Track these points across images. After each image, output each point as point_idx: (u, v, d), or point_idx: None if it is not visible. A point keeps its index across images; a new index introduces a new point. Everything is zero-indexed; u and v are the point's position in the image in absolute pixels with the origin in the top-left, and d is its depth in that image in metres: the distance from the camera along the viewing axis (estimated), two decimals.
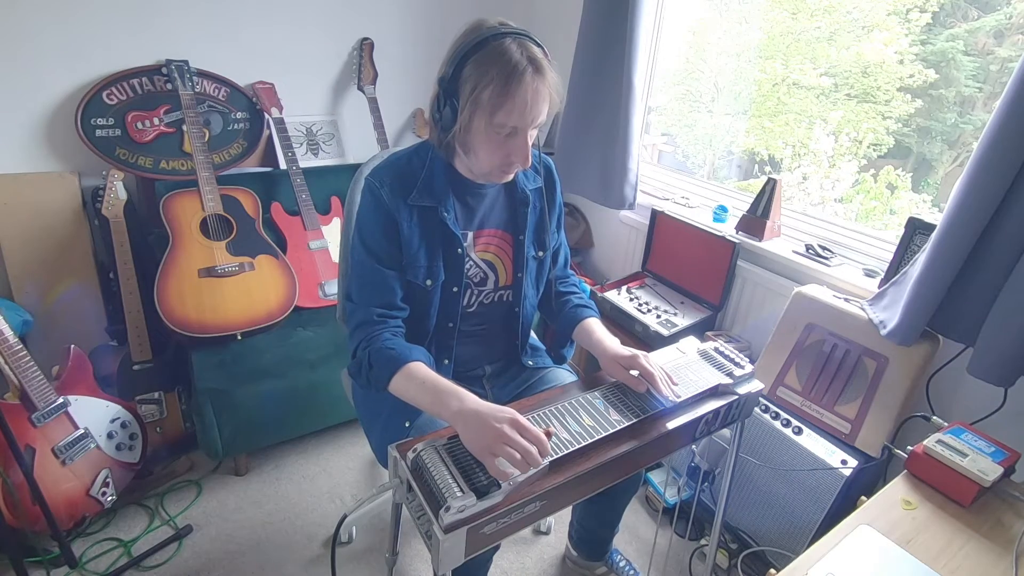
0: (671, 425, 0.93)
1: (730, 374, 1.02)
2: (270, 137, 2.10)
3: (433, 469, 0.76)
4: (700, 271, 1.88)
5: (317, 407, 1.78)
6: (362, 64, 2.19)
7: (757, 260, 1.77)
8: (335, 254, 2.05)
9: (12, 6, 1.66)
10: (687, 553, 1.58)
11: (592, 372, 1.08)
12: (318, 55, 2.19)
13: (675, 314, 1.86)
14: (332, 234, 2.09)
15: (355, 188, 1.21)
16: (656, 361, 0.99)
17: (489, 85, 0.87)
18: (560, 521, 1.68)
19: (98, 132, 1.82)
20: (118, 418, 1.56)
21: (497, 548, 0.99)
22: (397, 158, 1.06)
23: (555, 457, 0.81)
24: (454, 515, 0.71)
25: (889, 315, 1.31)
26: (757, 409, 1.44)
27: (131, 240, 1.72)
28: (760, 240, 1.74)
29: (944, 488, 0.97)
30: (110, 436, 1.54)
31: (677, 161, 2.77)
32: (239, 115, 2.06)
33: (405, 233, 1.02)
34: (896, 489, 0.98)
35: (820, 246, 1.66)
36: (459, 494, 0.72)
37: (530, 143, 0.96)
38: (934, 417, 1.12)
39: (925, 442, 1.01)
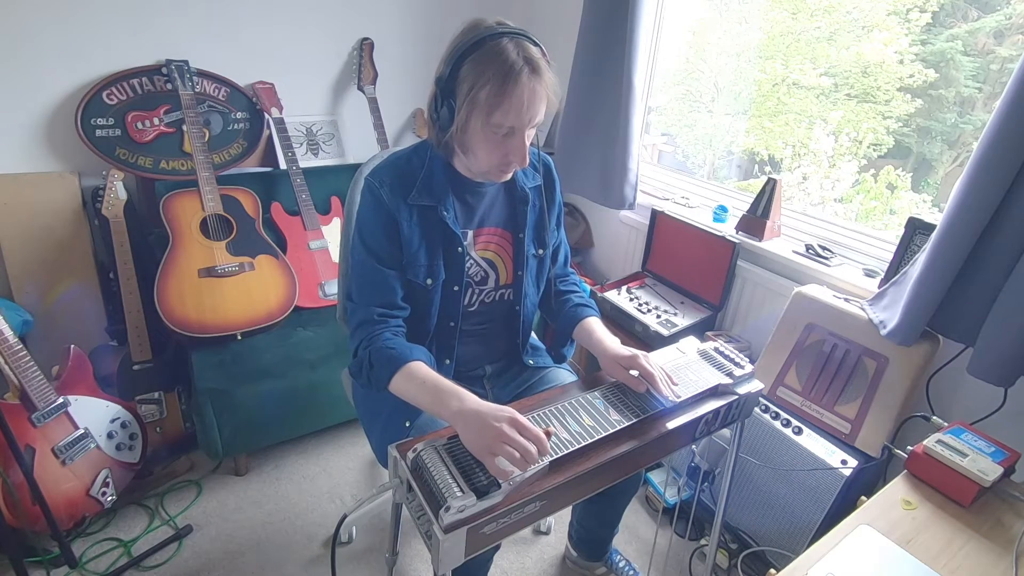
0: (671, 425, 0.93)
1: (730, 374, 1.02)
2: (270, 137, 2.10)
3: (433, 469, 0.76)
4: (700, 271, 1.88)
5: (317, 407, 1.78)
6: (362, 64, 2.19)
7: (757, 260, 1.77)
8: (335, 254, 2.05)
9: (12, 6, 1.66)
10: (687, 553, 1.58)
11: (592, 372, 1.08)
12: (318, 55, 2.19)
13: (675, 314, 1.86)
14: (332, 234, 2.09)
15: (355, 188, 1.21)
16: (656, 361, 0.99)
17: (486, 85, 0.87)
18: (560, 521, 1.68)
19: (98, 132, 1.82)
20: (118, 418, 1.56)
21: (497, 548, 0.99)
22: (397, 158, 1.06)
23: (555, 457, 0.81)
24: (454, 515, 0.71)
25: (889, 315, 1.31)
26: (757, 409, 1.44)
27: (131, 240, 1.72)
28: (760, 240, 1.74)
29: (944, 488, 0.97)
30: (110, 436, 1.54)
31: (677, 161, 2.77)
32: (239, 115, 2.06)
33: (405, 232, 1.02)
34: (896, 489, 0.98)
35: (820, 246, 1.66)
36: (459, 494, 0.72)
37: (528, 143, 0.96)
38: (934, 417, 1.12)
39: (925, 442, 1.01)
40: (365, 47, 2.19)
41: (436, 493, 0.74)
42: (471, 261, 1.09)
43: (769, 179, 1.72)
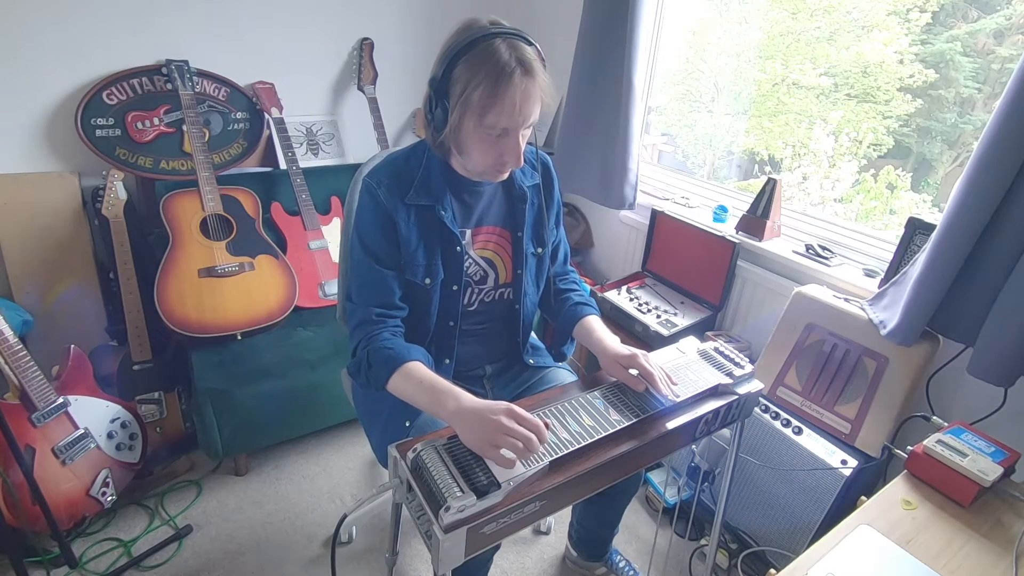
0: (671, 425, 0.93)
1: (730, 374, 1.02)
2: (270, 137, 2.10)
3: (433, 469, 0.76)
4: (700, 271, 1.88)
5: (317, 407, 1.78)
6: (362, 64, 2.19)
7: (757, 260, 1.77)
8: (335, 254, 2.05)
9: (12, 6, 1.66)
10: (687, 553, 1.58)
11: (592, 371, 1.08)
12: (318, 55, 2.19)
13: (675, 314, 1.86)
14: (332, 234, 2.09)
15: (354, 188, 1.21)
16: (655, 360, 0.99)
17: (479, 87, 0.87)
18: (560, 521, 1.68)
19: (98, 132, 1.82)
20: (118, 418, 1.56)
21: (497, 548, 0.99)
22: (395, 158, 1.06)
23: (555, 457, 0.81)
24: (454, 515, 0.71)
25: (889, 315, 1.31)
26: (757, 409, 1.44)
27: (131, 240, 1.72)
28: (760, 240, 1.74)
29: (944, 488, 0.97)
30: (110, 436, 1.54)
31: (677, 161, 2.77)
32: (239, 115, 2.06)
33: (403, 232, 1.02)
34: (896, 489, 0.98)
35: (820, 246, 1.66)
36: (459, 494, 0.72)
37: (523, 143, 0.97)
38: (934, 417, 1.12)
39: (925, 442, 1.01)
40: (365, 47, 2.19)
41: (436, 493, 0.74)
42: (470, 260, 1.09)
43: (769, 179, 1.72)
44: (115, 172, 1.74)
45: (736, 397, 1.00)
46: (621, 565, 1.51)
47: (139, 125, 1.87)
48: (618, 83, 1.93)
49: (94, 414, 1.51)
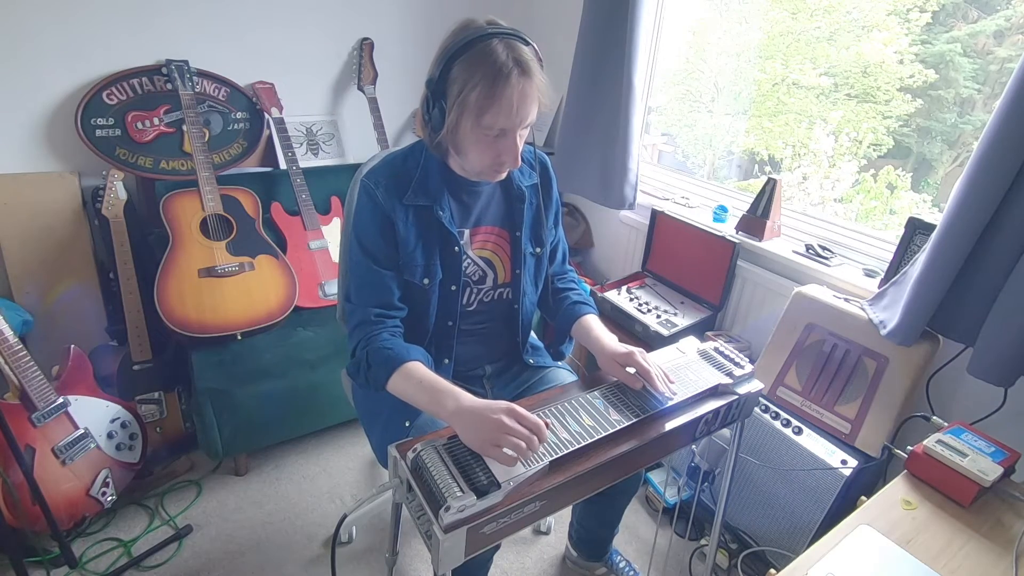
0: (671, 425, 0.93)
1: (730, 374, 1.02)
2: (270, 137, 2.10)
3: (433, 469, 0.76)
4: (700, 271, 1.88)
5: (317, 407, 1.78)
6: (362, 64, 2.19)
7: (757, 260, 1.77)
8: (335, 254, 2.05)
9: (12, 6, 1.66)
10: (687, 553, 1.58)
11: (592, 371, 1.08)
12: (318, 55, 2.19)
13: (675, 314, 1.86)
14: (332, 234, 2.09)
15: (354, 188, 1.21)
16: (653, 359, 1.00)
17: (475, 88, 0.87)
18: (560, 521, 1.68)
19: (98, 132, 1.82)
20: (118, 418, 1.56)
21: (497, 548, 0.99)
22: (393, 158, 1.06)
23: (555, 457, 0.81)
24: (454, 515, 0.71)
25: (889, 315, 1.31)
26: (757, 409, 1.44)
27: (131, 240, 1.72)
28: (760, 240, 1.74)
29: (944, 488, 0.97)
30: (110, 436, 1.54)
31: (677, 161, 2.77)
32: (239, 115, 2.06)
33: (401, 233, 1.02)
34: (896, 489, 0.98)
35: (820, 246, 1.66)
36: (459, 494, 0.72)
37: (520, 143, 0.97)
38: (934, 417, 1.12)
39: (925, 442, 1.01)
40: (365, 47, 2.19)
41: (436, 493, 0.74)
42: (468, 260, 1.09)
43: (769, 179, 1.72)
44: (115, 172, 1.74)
45: (736, 397, 1.00)
46: (621, 565, 1.51)
47: (139, 125, 1.87)
48: (618, 83, 1.93)
49: (94, 414, 1.51)
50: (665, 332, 1.76)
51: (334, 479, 1.80)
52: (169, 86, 1.87)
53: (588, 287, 2.06)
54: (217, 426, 1.61)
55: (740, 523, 1.50)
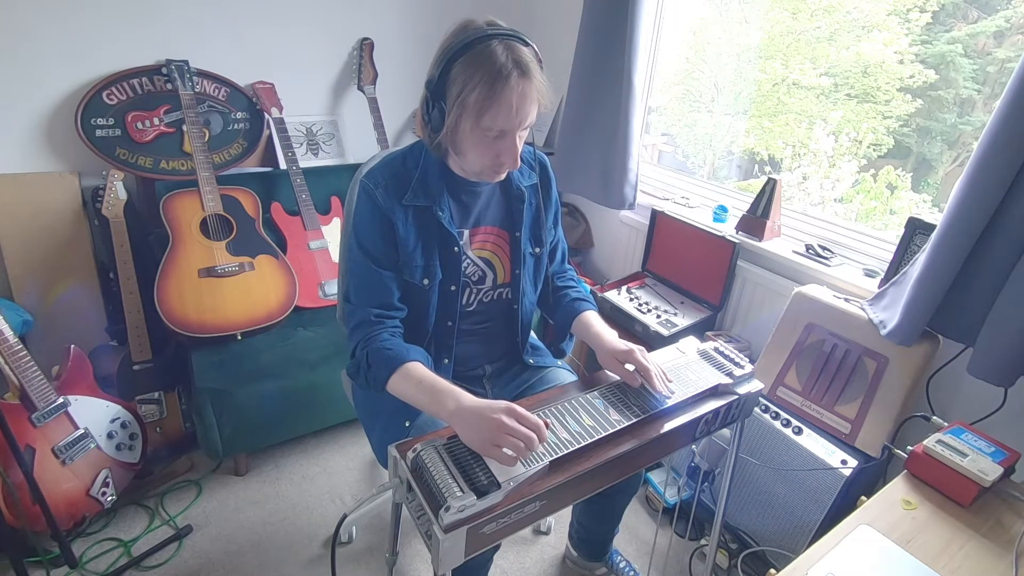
0: (671, 425, 0.93)
1: (730, 374, 1.02)
2: (270, 137, 2.10)
3: (433, 469, 0.76)
4: (700, 271, 1.88)
5: (317, 407, 1.78)
6: (362, 64, 2.19)
7: (757, 260, 1.77)
8: (335, 254, 2.05)
9: (12, 6, 1.66)
10: (687, 553, 1.58)
11: (592, 371, 1.08)
12: (318, 55, 2.19)
13: (675, 314, 1.86)
14: (332, 234, 2.09)
15: (353, 188, 1.21)
16: (653, 359, 0.99)
17: (475, 89, 0.87)
18: (560, 521, 1.68)
19: (98, 132, 1.82)
20: (118, 418, 1.56)
21: (497, 548, 0.99)
22: (392, 159, 1.06)
23: (555, 457, 0.81)
24: (454, 515, 0.71)
25: (889, 315, 1.31)
26: (757, 409, 1.44)
27: (131, 240, 1.72)
28: (760, 240, 1.74)
29: (944, 488, 0.97)
30: (110, 436, 1.54)
31: (677, 161, 2.77)
32: (239, 115, 2.06)
33: (401, 233, 1.02)
34: (896, 489, 0.98)
35: (820, 246, 1.66)
36: (459, 494, 0.72)
37: (519, 144, 0.97)
38: (934, 417, 1.12)
39: (925, 442, 1.01)
40: (365, 47, 2.19)
41: (436, 493, 0.74)
42: (468, 261, 1.09)
43: (769, 179, 1.72)
44: (115, 172, 1.74)
45: (736, 397, 1.00)
46: (621, 565, 1.51)
47: (139, 125, 1.87)
48: (618, 83, 1.93)
49: (94, 414, 1.51)
50: (665, 332, 1.76)
51: (334, 479, 1.80)
52: (169, 86, 1.87)
53: (588, 287, 2.06)
54: (217, 426, 1.61)
55: (740, 523, 1.50)
